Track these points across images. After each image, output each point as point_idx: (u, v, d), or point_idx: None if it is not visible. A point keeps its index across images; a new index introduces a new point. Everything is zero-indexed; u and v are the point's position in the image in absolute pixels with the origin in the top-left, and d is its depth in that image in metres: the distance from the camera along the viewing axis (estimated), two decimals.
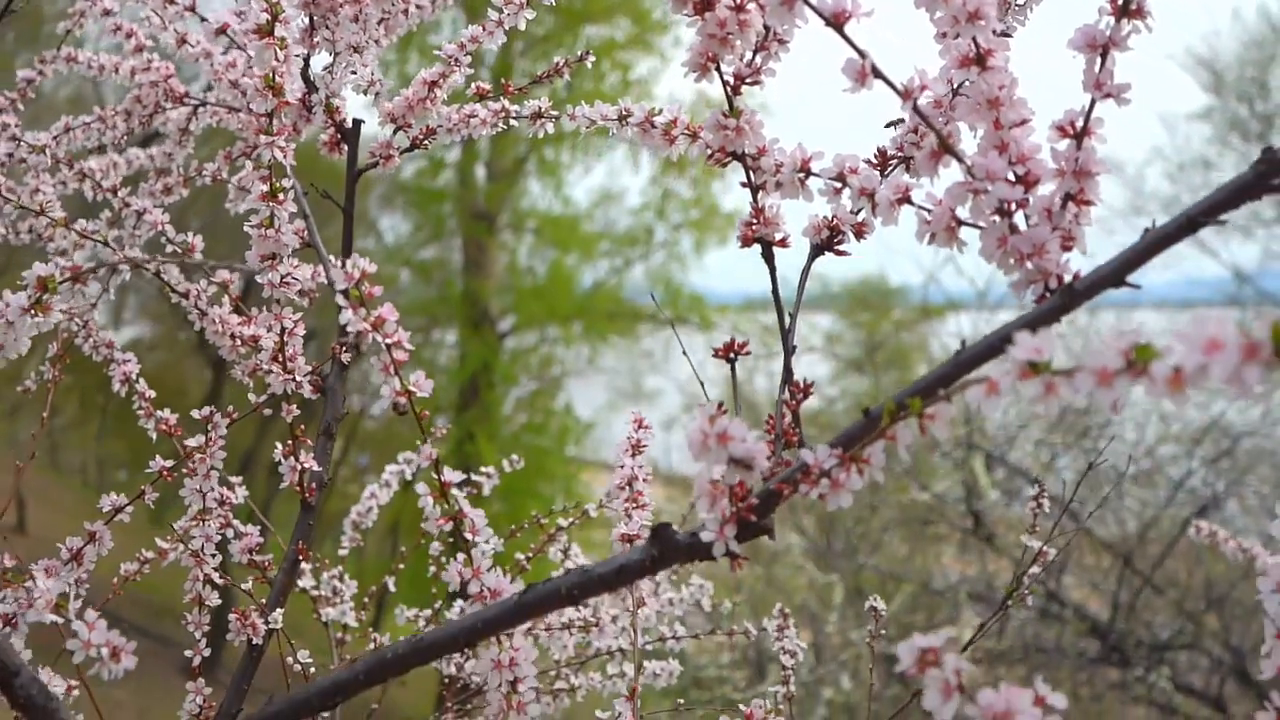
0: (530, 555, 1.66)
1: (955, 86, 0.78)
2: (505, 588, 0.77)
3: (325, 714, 0.86)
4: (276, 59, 1.02)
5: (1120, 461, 4.31)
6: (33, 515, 8.03)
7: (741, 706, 0.86)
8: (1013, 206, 0.73)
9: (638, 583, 1.14)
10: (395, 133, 1.28)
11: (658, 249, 10.57)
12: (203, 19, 1.42)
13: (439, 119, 1.27)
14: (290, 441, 1.12)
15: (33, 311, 0.88)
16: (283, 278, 1.07)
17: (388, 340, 0.74)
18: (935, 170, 0.79)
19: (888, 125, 0.87)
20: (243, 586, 1.17)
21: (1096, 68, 0.71)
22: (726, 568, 0.67)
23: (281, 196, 1.03)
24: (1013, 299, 0.73)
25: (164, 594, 6.11)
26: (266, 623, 1.10)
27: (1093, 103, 0.72)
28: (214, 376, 9.76)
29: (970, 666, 0.49)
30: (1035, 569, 1.38)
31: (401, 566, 1.94)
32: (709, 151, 0.88)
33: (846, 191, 0.85)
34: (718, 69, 0.82)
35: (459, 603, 1.44)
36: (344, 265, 0.74)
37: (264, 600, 1.13)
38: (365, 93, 1.30)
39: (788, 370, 0.85)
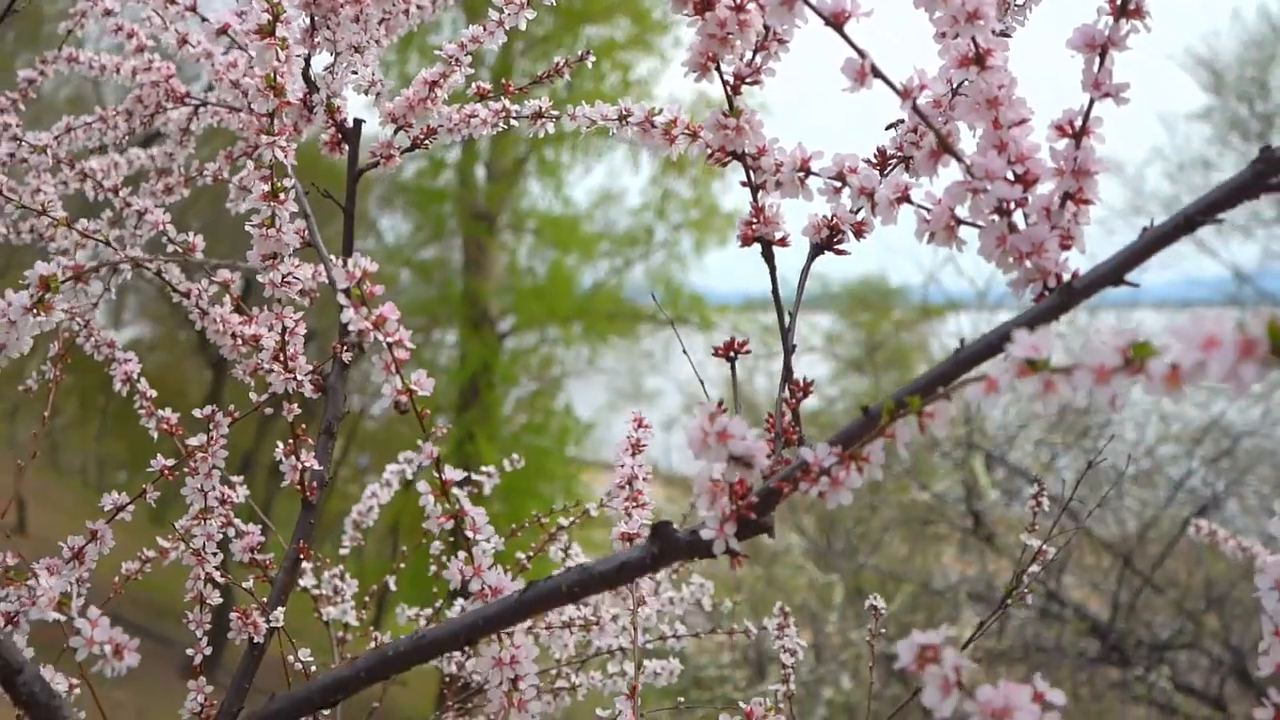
0: (531, 554, 1.66)
1: (954, 86, 0.78)
2: (506, 585, 0.77)
3: (326, 712, 0.86)
4: (278, 59, 1.03)
5: (1120, 461, 4.31)
6: (33, 516, 8.04)
7: (741, 704, 0.86)
8: (1012, 205, 0.73)
9: (638, 581, 1.14)
10: (396, 132, 1.28)
11: (658, 249, 10.59)
12: (204, 19, 1.42)
13: (440, 119, 1.27)
14: (291, 440, 1.13)
15: (35, 310, 0.88)
16: (284, 277, 1.07)
17: (389, 339, 0.74)
18: (934, 169, 0.79)
19: (888, 127, 0.88)
20: (244, 585, 1.17)
21: (1095, 67, 0.71)
22: (727, 566, 0.67)
23: (282, 196, 1.04)
24: (1013, 299, 0.73)
25: (165, 595, 6.11)
26: (268, 621, 1.10)
27: (1091, 102, 0.72)
28: (214, 377, 9.76)
29: (969, 663, 0.49)
30: (1035, 568, 1.38)
31: (402, 566, 1.95)
32: (709, 151, 0.89)
33: (846, 191, 0.86)
34: (718, 69, 0.83)
35: (460, 601, 1.45)
36: (345, 264, 0.74)
37: (265, 599, 1.13)
38: (366, 93, 1.31)
39: (787, 369, 0.85)
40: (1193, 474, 6.63)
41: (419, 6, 1.27)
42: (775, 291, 0.89)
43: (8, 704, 0.80)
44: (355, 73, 1.26)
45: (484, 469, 1.76)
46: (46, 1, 5.11)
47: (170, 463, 1.11)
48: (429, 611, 1.74)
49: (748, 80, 0.85)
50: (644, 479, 1.00)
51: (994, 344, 0.65)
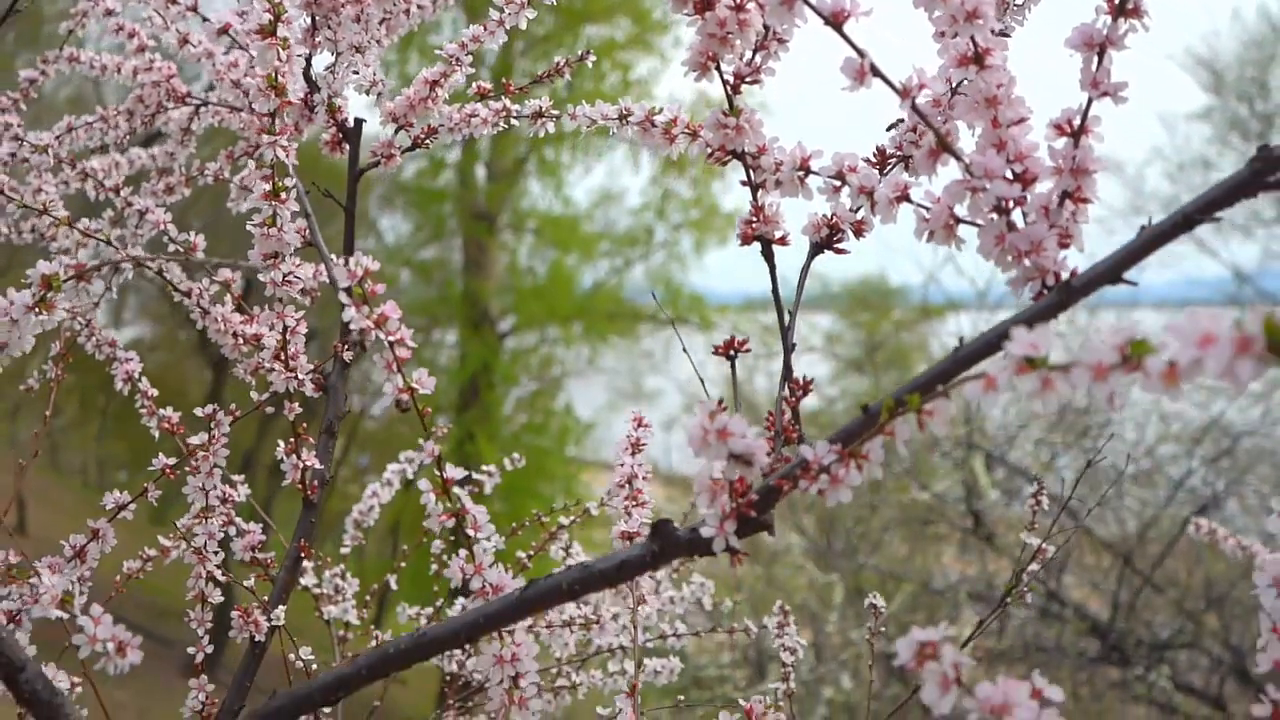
0: (532, 553, 1.66)
1: (954, 85, 0.78)
2: (507, 583, 0.77)
3: (327, 710, 0.86)
4: (279, 59, 1.03)
5: (1120, 461, 4.31)
6: (33, 516, 8.04)
7: (741, 702, 0.86)
8: (1010, 204, 0.73)
9: (638, 580, 1.14)
10: (397, 132, 1.28)
11: (658, 249, 10.59)
12: (205, 19, 1.43)
13: (440, 118, 1.27)
14: (293, 439, 1.13)
15: (37, 309, 0.88)
16: (285, 276, 1.07)
17: (390, 337, 0.74)
18: (934, 168, 0.80)
19: (888, 127, 0.88)
20: (245, 584, 1.18)
21: (1094, 66, 0.71)
22: (727, 565, 0.67)
23: (284, 196, 1.04)
24: (1013, 299, 0.73)
25: (166, 596, 6.12)
26: (269, 620, 1.10)
27: (1090, 101, 0.72)
28: (214, 377, 9.76)
29: (968, 660, 0.49)
30: (1034, 566, 1.38)
31: (403, 565, 1.95)
32: (709, 150, 0.89)
33: (846, 190, 0.86)
34: (718, 68, 0.83)
35: (460, 600, 1.45)
36: (346, 263, 0.74)
37: (266, 598, 1.13)
38: (367, 92, 1.31)
39: (787, 367, 0.86)
40: (1193, 473, 6.63)
41: (420, 6, 1.27)
42: (775, 291, 0.89)
43: (11, 702, 0.81)
44: (356, 72, 1.27)
45: (484, 468, 1.76)
46: (47, 1, 5.11)
47: (172, 462, 1.12)
48: (430, 610, 1.74)
49: (748, 80, 0.85)
50: (644, 478, 1.00)
51: (993, 342, 0.65)
